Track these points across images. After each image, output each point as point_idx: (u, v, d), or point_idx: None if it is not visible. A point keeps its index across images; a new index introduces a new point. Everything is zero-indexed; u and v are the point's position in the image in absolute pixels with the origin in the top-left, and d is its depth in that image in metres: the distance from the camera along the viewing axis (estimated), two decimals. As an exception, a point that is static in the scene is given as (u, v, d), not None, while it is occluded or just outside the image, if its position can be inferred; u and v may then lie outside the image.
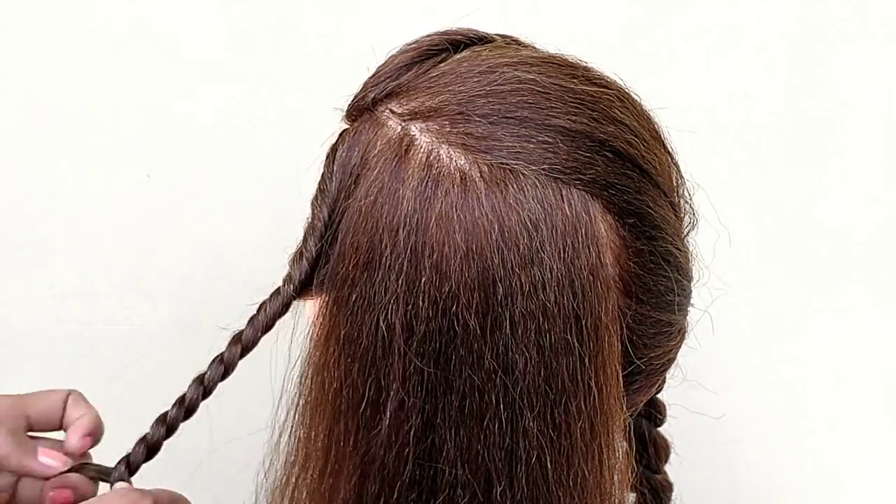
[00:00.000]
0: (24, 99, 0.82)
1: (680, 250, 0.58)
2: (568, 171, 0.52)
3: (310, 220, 0.57)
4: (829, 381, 1.00)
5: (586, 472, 0.52)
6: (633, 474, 0.73)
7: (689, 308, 0.62)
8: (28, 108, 0.82)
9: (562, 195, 0.51)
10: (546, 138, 0.52)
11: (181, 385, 0.77)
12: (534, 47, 0.61)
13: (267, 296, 0.59)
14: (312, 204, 0.57)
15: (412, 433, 0.52)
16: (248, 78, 0.83)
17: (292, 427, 0.57)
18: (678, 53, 0.93)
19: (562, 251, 0.50)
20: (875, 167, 0.97)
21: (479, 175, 0.51)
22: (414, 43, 0.59)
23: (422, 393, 0.51)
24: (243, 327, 0.59)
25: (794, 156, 0.96)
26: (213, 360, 0.59)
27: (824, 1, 0.93)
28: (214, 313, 0.78)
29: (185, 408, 0.59)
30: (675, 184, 0.59)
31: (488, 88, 0.53)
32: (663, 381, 0.70)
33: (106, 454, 0.79)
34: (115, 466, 0.59)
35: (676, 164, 0.60)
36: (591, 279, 0.51)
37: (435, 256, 0.50)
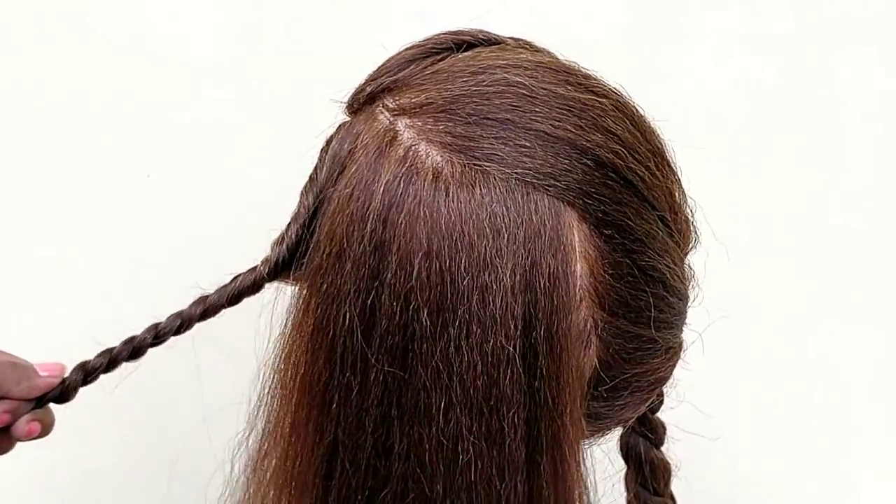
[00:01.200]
0: (25, 99, 0.82)
1: (669, 267, 0.56)
2: (542, 176, 0.51)
3: (297, 207, 0.58)
4: (833, 400, 0.98)
5: (517, 489, 0.51)
6: (632, 494, 0.73)
7: (684, 327, 0.61)
8: (28, 108, 0.83)
9: (528, 200, 0.51)
10: (524, 142, 0.52)
11: (181, 384, 0.78)
12: (548, 52, 0.61)
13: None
14: (301, 192, 0.58)
15: (370, 424, 0.52)
16: (249, 77, 0.83)
17: (264, 412, 0.58)
18: (678, 56, 0.92)
19: (520, 257, 0.50)
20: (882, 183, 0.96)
21: (451, 174, 0.51)
22: (422, 41, 0.59)
23: (381, 386, 0.52)
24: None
25: (794, 164, 0.94)
26: (172, 314, 0.60)
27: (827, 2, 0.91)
28: (217, 321, 0.79)
29: (133, 346, 0.59)
30: (671, 200, 0.57)
31: (474, 89, 0.54)
32: (660, 401, 0.69)
33: (105, 453, 0.81)
34: (54, 389, 0.59)
35: (678, 182, 0.59)
36: (548, 287, 0.50)
37: (400, 252, 0.51)
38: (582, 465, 0.55)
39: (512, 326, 0.50)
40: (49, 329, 0.84)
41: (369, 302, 0.51)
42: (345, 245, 0.52)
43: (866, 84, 0.94)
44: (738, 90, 0.93)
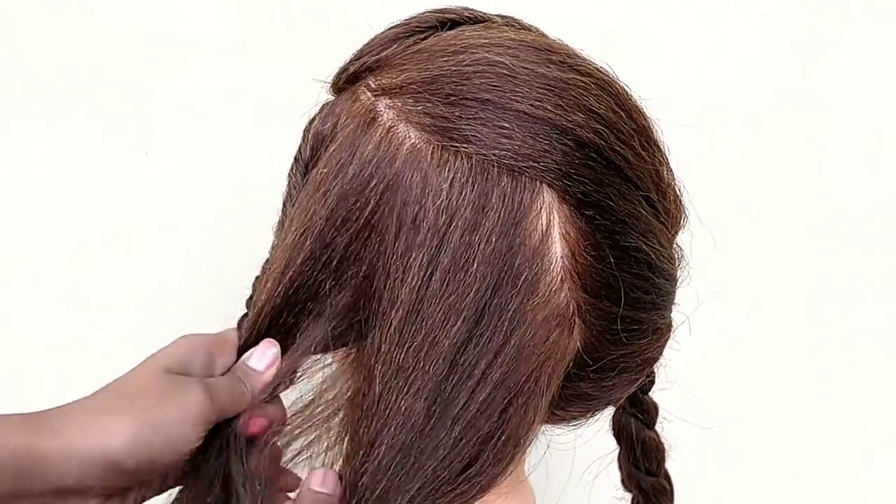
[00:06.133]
0: (23, 80, 0.81)
1: (654, 248, 0.56)
2: (521, 157, 0.51)
3: (287, 188, 0.58)
4: (825, 386, 0.97)
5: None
6: (624, 474, 0.72)
7: (673, 308, 0.61)
8: (27, 89, 0.82)
9: (498, 184, 0.51)
10: (504, 123, 0.51)
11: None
12: (535, 30, 0.60)
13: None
14: (289, 173, 0.58)
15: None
16: (250, 56, 0.82)
17: None
18: (671, 34, 0.91)
19: (487, 239, 0.50)
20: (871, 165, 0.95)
21: (427, 155, 0.51)
22: (406, 19, 0.59)
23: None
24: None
25: (789, 150, 0.94)
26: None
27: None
28: (216, 299, 0.79)
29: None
30: (657, 180, 0.57)
31: (454, 69, 0.53)
32: (651, 381, 0.68)
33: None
34: None
35: (666, 162, 0.58)
36: (508, 273, 0.51)
37: (374, 236, 0.51)
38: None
39: (459, 308, 0.51)
40: (47, 328, 0.83)
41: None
42: (315, 225, 0.53)
43: (859, 70, 0.93)
44: (731, 70, 0.92)
